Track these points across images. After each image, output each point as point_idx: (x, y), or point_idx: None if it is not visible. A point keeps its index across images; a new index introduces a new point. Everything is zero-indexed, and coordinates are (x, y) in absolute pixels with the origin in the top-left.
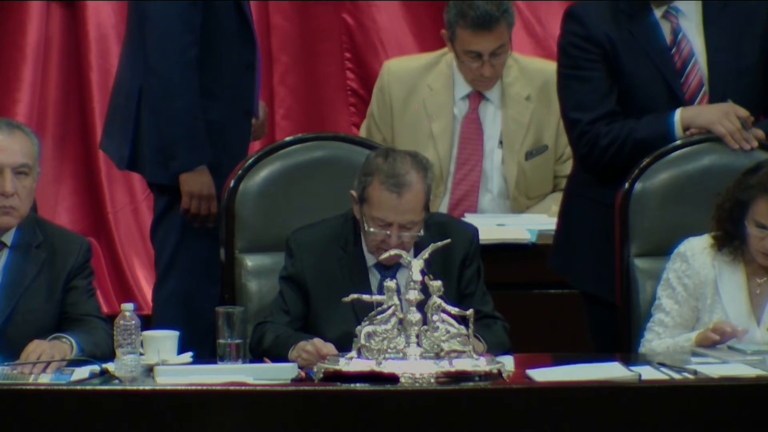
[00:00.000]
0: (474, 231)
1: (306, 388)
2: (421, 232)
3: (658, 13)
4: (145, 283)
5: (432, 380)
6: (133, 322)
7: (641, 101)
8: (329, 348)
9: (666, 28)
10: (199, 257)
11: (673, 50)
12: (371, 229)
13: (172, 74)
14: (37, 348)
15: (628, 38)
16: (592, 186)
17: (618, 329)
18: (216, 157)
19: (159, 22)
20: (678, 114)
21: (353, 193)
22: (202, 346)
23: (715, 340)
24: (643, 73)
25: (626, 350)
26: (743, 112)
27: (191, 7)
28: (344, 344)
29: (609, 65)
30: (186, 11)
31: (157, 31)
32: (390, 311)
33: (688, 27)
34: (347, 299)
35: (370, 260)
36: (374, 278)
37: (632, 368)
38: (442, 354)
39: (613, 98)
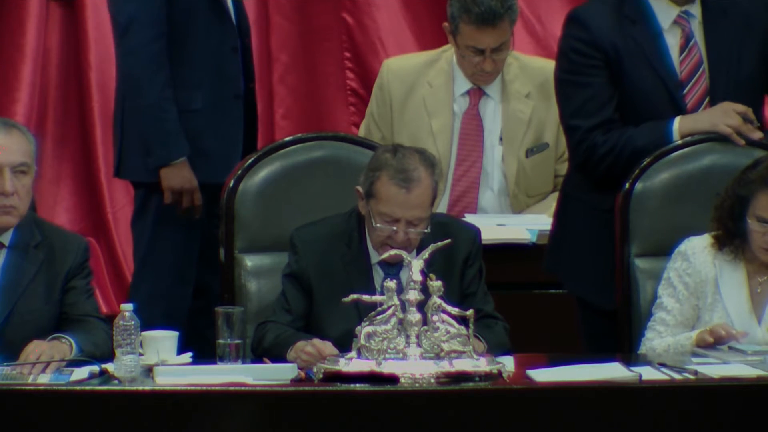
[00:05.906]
0: (476, 231)
1: (306, 388)
2: (428, 229)
3: (668, 19)
4: None
5: (432, 381)
6: (133, 322)
7: (642, 109)
8: (330, 348)
9: (677, 33)
10: (170, 258)
11: (683, 55)
12: (378, 225)
13: (136, 71)
14: (36, 348)
15: (631, 45)
16: (588, 190)
17: (610, 335)
18: (209, 144)
19: (119, 20)
20: (676, 123)
21: (359, 189)
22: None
23: (710, 343)
24: (646, 81)
25: (626, 350)
26: (741, 108)
27: (150, 0)
28: (346, 343)
29: (611, 71)
30: (144, 4)
31: (118, 29)
32: (390, 311)
33: (701, 33)
34: (347, 299)
35: (374, 258)
36: (378, 276)
37: (633, 368)
38: (442, 354)
39: (613, 106)
